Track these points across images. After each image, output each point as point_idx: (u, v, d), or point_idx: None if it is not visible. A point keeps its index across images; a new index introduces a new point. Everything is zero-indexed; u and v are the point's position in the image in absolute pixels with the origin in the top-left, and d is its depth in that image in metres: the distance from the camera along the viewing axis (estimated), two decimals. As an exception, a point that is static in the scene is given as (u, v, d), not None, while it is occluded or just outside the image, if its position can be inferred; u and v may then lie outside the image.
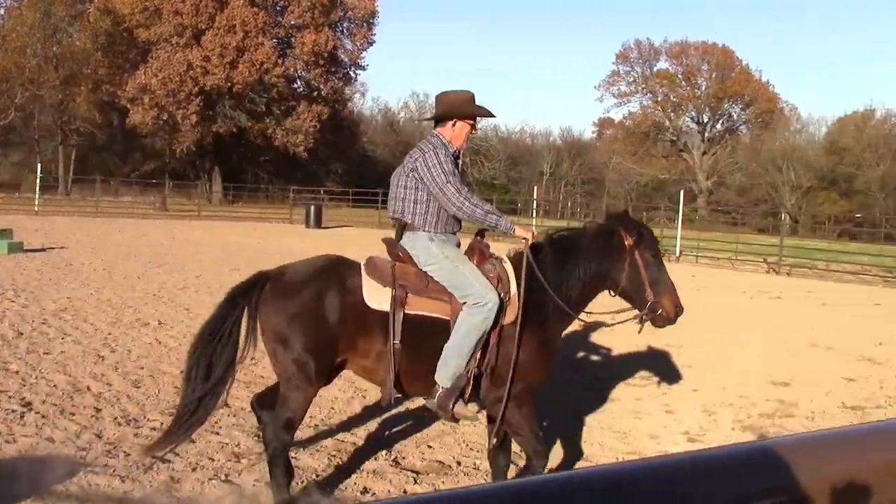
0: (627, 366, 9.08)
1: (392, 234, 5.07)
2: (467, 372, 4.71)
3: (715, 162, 70.82)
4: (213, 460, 5.44)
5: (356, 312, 4.65)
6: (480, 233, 5.09)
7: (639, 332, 5.21)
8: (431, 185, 4.79)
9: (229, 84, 50.23)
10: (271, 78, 51.27)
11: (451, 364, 4.66)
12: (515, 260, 4.96)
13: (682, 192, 31.63)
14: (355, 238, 29.16)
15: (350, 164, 64.54)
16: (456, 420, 5.02)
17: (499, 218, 4.88)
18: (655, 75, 72.97)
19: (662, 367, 9.16)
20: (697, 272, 23.34)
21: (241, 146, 57.98)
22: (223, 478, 5.14)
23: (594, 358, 9.49)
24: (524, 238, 4.86)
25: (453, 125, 5.02)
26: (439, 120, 5.06)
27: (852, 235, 41.09)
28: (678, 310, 4.98)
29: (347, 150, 62.75)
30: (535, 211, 40.14)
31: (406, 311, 4.66)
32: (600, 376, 8.58)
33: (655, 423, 7.03)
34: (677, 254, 27.92)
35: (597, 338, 10.71)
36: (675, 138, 74.30)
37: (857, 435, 1.36)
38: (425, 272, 4.78)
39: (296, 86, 56.71)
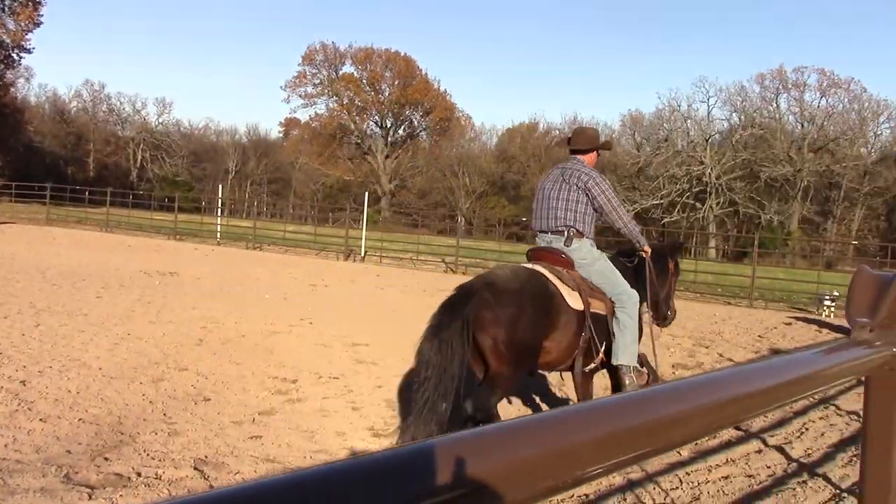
0: (314, 364, 9.14)
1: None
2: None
3: (397, 165, 73.41)
4: None
5: (560, 311, 5.60)
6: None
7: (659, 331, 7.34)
8: (606, 205, 5.96)
9: None
10: (-86, 55, 45.35)
11: (632, 347, 5.96)
12: None
13: (366, 194, 32.43)
14: (17, 235, 26.57)
15: (14, 155, 58.67)
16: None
17: (641, 235, 6.31)
18: (341, 79, 74.05)
19: (348, 364, 9.33)
20: (381, 272, 24.07)
21: None
22: None
23: (282, 360, 9.42)
24: (644, 251, 6.34)
25: (596, 155, 6.28)
26: (583, 150, 6.19)
27: (519, 237, 44.52)
28: (675, 315, 7.02)
29: (10, 139, 57.06)
30: (220, 210, 38.91)
31: (591, 310, 5.78)
32: (287, 378, 8.52)
33: (342, 420, 7.12)
34: (362, 254, 28.62)
35: (280, 341, 10.69)
36: (360, 141, 75.89)
37: (524, 427, 1.38)
38: (581, 275, 5.91)
39: (-54, 65, 50.59)
